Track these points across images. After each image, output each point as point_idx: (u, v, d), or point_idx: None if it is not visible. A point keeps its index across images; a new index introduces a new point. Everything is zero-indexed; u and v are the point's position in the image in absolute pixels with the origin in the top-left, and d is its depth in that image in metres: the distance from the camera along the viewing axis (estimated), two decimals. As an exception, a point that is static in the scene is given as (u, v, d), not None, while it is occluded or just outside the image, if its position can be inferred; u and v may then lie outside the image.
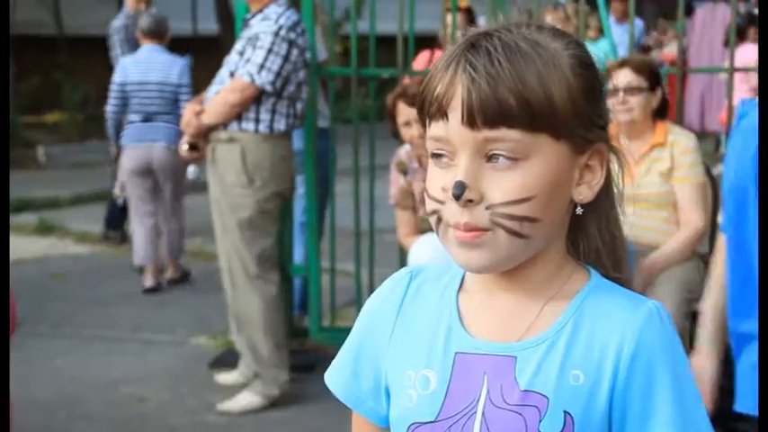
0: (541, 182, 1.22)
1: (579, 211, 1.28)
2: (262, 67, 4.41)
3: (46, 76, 13.47)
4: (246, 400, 4.56)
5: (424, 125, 1.28)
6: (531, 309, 1.28)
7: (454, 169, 1.23)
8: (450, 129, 1.22)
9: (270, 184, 4.54)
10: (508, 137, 1.20)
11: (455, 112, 1.22)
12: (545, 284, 1.29)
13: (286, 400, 4.60)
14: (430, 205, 1.26)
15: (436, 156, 1.25)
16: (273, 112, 4.51)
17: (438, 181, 1.25)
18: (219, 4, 14.17)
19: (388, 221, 5.25)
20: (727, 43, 7.72)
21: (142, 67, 6.55)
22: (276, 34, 4.43)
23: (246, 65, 4.44)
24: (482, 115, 1.20)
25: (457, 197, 1.21)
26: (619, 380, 1.23)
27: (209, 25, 14.77)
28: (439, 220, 1.25)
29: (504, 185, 1.21)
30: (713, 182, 4.42)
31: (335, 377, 1.39)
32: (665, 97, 4.17)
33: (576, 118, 1.23)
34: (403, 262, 4.60)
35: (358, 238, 5.16)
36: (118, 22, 7.76)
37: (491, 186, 1.21)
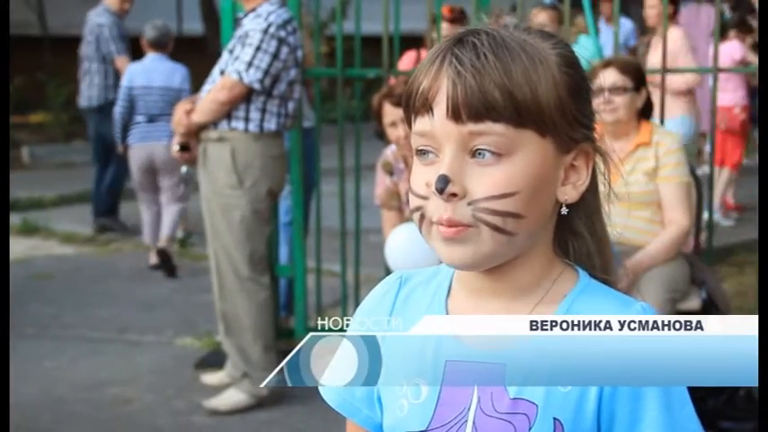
0: (525, 178, 1.21)
1: (564, 211, 1.28)
2: (250, 64, 4.39)
3: (30, 76, 13.41)
4: (234, 398, 4.56)
5: (409, 123, 1.27)
6: (520, 313, 1.26)
7: (438, 165, 1.22)
8: (435, 123, 1.22)
9: (261, 183, 4.52)
10: (493, 131, 1.20)
11: (440, 106, 1.21)
12: (533, 286, 1.28)
13: (273, 401, 4.60)
14: (413, 202, 1.25)
15: (421, 152, 1.24)
16: (264, 111, 4.49)
17: (422, 177, 1.24)
18: (204, 3, 14.14)
19: (373, 222, 5.26)
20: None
21: (148, 74, 7.11)
22: (265, 32, 4.41)
23: (235, 63, 4.43)
24: (467, 108, 1.19)
25: (440, 191, 1.20)
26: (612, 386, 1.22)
27: (194, 25, 14.75)
28: (422, 217, 1.24)
29: (487, 180, 1.20)
30: (697, 182, 4.44)
31: (329, 386, 1.37)
32: (650, 97, 4.19)
33: (561, 115, 1.23)
34: (389, 262, 4.60)
35: (344, 238, 5.16)
36: (104, 20, 7.89)
37: (474, 181, 1.21)
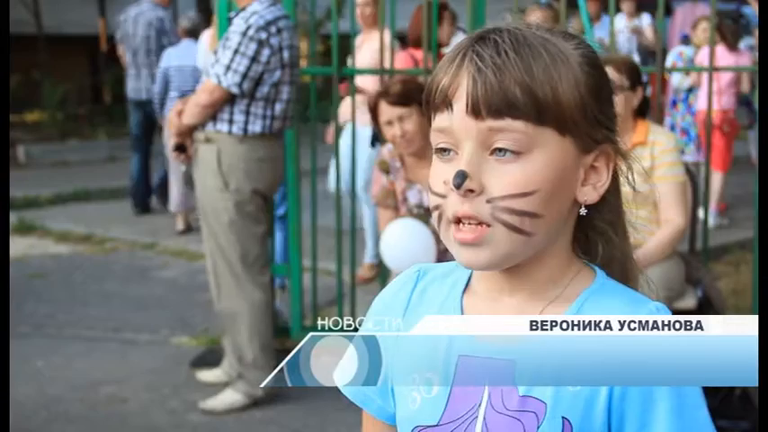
0: (544, 177, 1.21)
1: (583, 211, 1.28)
2: (228, 68, 4.36)
3: (26, 75, 13.41)
4: (230, 398, 4.55)
5: (430, 121, 1.27)
6: (532, 312, 1.26)
7: (457, 161, 1.22)
8: (455, 119, 1.22)
9: (245, 185, 4.48)
10: (512, 128, 1.20)
11: (460, 103, 1.21)
12: (549, 285, 1.28)
13: (268, 399, 4.60)
14: (432, 201, 1.25)
15: (440, 150, 1.24)
16: (248, 113, 4.45)
17: (440, 175, 1.24)
18: (201, -1, 14.13)
19: (369, 220, 5.26)
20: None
21: (182, 56, 7.95)
22: (244, 34, 4.37)
23: (215, 65, 4.42)
24: (486, 104, 1.19)
25: (458, 186, 1.19)
26: (616, 385, 1.21)
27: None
28: (440, 216, 1.24)
29: (506, 178, 1.20)
30: (692, 181, 4.44)
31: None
32: (646, 96, 4.19)
33: (582, 115, 1.23)
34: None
35: (339, 237, 5.16)
36: (161, 13, 8.62)
37: (493, 179, 1.20)
